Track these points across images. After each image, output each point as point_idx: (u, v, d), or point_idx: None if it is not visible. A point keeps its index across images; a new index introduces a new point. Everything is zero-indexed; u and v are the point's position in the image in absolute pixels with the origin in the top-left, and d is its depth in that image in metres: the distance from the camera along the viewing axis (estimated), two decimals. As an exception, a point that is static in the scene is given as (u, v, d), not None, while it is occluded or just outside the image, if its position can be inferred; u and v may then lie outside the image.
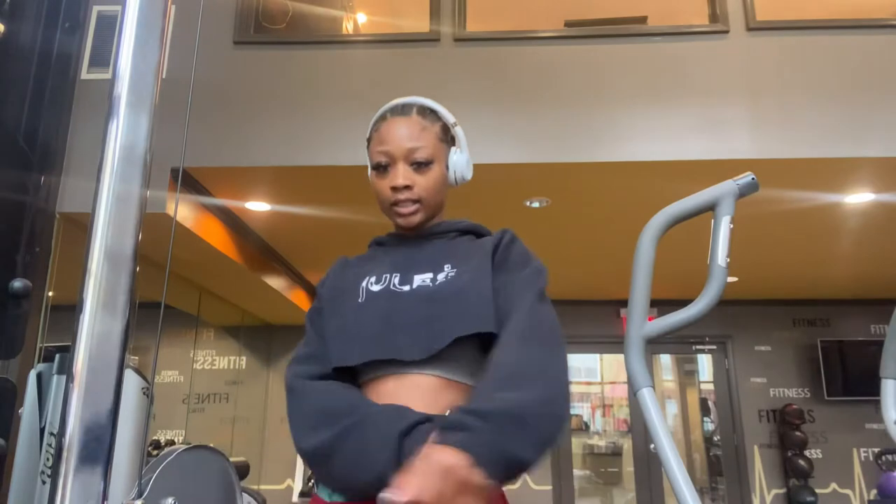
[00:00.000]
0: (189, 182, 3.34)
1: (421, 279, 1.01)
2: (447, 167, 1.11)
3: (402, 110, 1.11)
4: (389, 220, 1.13)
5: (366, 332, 0.98)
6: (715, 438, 6.64)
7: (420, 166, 1.07)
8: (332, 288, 1.09)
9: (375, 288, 1.02)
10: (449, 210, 1.18)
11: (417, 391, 0.95)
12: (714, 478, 6.62)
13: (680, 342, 6.68)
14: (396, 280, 1.02)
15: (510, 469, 0.80)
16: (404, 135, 1.07)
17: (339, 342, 1.00)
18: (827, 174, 3.27)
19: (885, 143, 3.05)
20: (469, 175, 1.15)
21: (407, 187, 1.05)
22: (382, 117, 1.12)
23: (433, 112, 1.12)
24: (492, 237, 1.10)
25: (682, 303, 1.10)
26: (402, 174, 1.06)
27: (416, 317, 0.97)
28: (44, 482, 1.38)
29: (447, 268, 1.02)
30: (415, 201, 1.07)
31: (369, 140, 1.14)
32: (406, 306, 0.98)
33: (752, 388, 6.47)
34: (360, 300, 1.02)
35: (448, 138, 1.13)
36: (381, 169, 1.08)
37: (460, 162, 1.12)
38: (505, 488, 0.97)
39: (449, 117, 1.15)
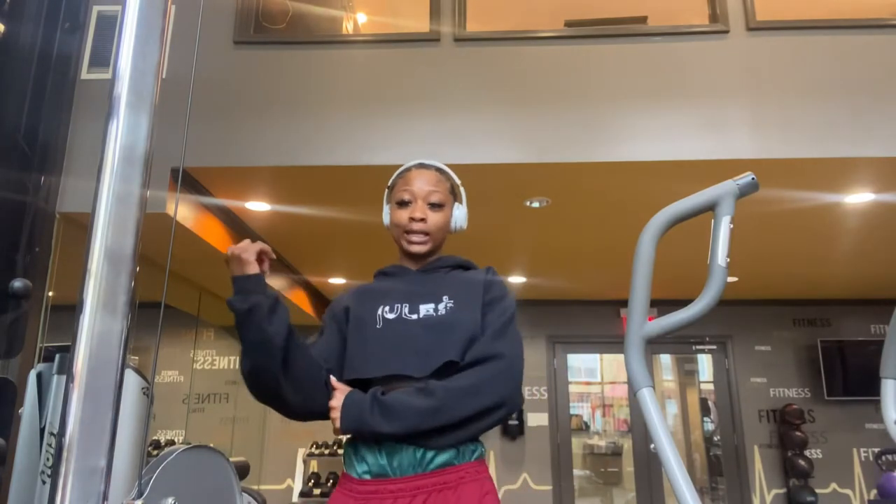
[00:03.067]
0: (189, 182, 3.34)
1: (426, 309, 1.30)
2: (451, 216, 1.40)
3: (424, 166, 1.40)
4: (399, 247, 1.39)
5: (383, 353, 1.26)
6: (715, 438, 6.64)
7: (434, 207, 1.36)
8: (355, 314, 1.35)
9: (390, 316, 1.31)
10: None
11: None
12: (714, 478, 6.62)
13: (680, 342, 6.67)
14: (406, 310, 1.31)
15: (364, 431, 1.19)
16: (425, 181, 1.37)
17: (360, 360, 1.28)
18: (827, 174, 3.27)
19: (885, 143, 3.05)
20: (465, 226, 1.43)
21: (422, 220, 1.34)
22: (407, 169, 1.41)
23: (446, 172, 1.43)
24: (480, 273, 1.38)
25: (682, 303, 1.10)
26: (420, 209, 1.35)
27: (421, 343, 1.26)
28: (44, 482, 1.38)
29: (445, 299, 1.31)
30: (426, 233, 1.35)
31: (393, 186, 1.41)
32: (414, 333, 1.27)
33: (752, 388, 6.46)
34: (378, 326, 1.30)
35: (454, 195, 1.42)
36: (403, 204, 1.36)
37: (460, 215, 1.42)
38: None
39: (456, 179, 1.44)
